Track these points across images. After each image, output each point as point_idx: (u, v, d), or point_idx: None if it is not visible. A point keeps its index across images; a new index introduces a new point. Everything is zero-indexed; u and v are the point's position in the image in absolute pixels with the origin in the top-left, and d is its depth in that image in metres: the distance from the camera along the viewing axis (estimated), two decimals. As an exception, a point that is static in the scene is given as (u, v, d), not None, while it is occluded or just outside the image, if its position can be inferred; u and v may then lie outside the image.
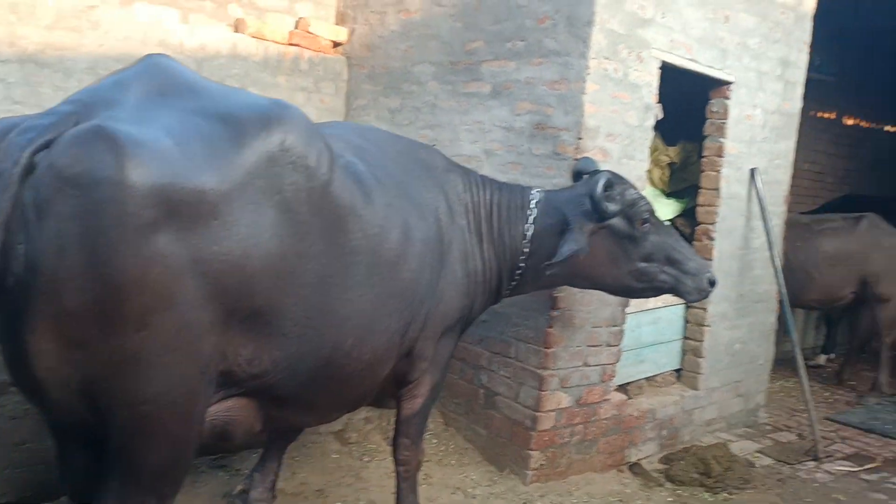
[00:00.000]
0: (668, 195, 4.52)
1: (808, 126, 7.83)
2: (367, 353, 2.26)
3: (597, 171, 3.01)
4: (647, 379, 4.26)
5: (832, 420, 4.94)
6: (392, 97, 4.34)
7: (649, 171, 4.53)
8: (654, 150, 4.54)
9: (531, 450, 3.48)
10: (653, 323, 4.19)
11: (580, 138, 3.35)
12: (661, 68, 3.65)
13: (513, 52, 3.62)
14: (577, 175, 3.04)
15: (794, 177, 7.82)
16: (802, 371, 4.32)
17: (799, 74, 4.57)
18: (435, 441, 3.82)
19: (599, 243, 2.79)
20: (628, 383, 4.13)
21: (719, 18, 3.88)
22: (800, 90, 4.60)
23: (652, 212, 2.90)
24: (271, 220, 1.86)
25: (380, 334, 2.30)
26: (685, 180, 4.53)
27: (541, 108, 3.50)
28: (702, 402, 4.32)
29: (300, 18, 4.50)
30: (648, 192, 4.36)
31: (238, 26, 4.26)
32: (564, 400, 3.58)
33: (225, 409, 2.01)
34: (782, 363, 6.20)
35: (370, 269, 2.21)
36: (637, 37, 3.48)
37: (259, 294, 1.86)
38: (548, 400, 3.50)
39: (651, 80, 3.60)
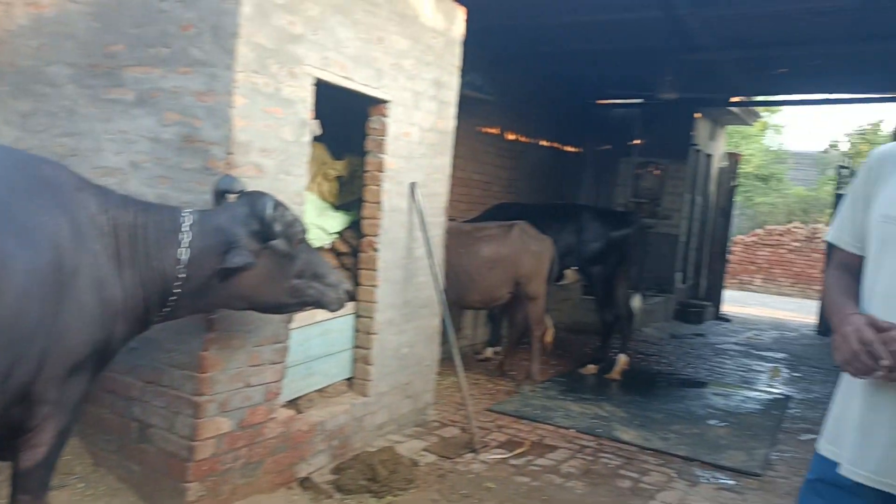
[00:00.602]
0: (338, 208, 4.60)
1: (476, 140, 8.62)
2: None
3: (248, 191, 2.97)
4: (319, 391, 4.29)
5: (492, 410, 5.43)
6: (22, 100, 3.82)
7: (319, 185, 4.59)
8: (322, 163, 4.61)
9: (188, 482, 3.28)
10: (322, 335, 4.23)
11: (231, 153, 3.24)
12: (316, 85, 3.69)
13: (158, 59, 3.39)
14: (221, 194, 2.94)
15: (466, 186, 8.61)
16: (460, 369, 4.68)
17: (451, 95, 4.94)
18: (82, 485, 3.43)
19: (263, 263, 2.83)
20: (299, 398, 4.12)
21: (372, 39, 4.03)
22: (453, 109, 4.97)
23: (305, 230, 3.04)
24: None
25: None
26: (353, 193, 4.64)
27: (189, 120, 3.32)
28: (372, 407, 4.47)
29: None
30: (318, 205, 4.42)
31: None
32: (225, 425, 3.44)
33: None
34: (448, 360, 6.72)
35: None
36: (288, 52, 3.47)
37: None
38: (206, 427, 3.33)
39: (305, 95, 3.61)
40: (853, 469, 1.72)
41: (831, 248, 1.97)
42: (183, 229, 2.73)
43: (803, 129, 45.98)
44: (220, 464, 3.43)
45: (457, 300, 5.93)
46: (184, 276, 2.72)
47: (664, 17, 6.41)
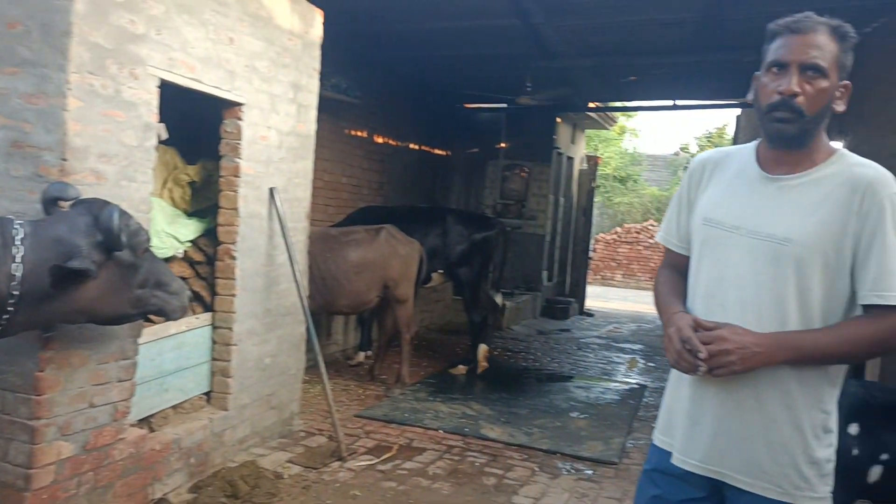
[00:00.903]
0: (191, 215, 4.41)
1: (345, 143, 8.56)
2: None
3: (87, 199, 2.80)
4: (175, 407, 4.09)
5: (360, 416, 5.39)
6: None
7: (170, 191, 4.39)
8: (174, 168, 4.41)
9: (25, 513, 3.04)
10: (176, 348, 4.04)
11: (65, 159, 3.02)
12: (162, 86, 3.52)
13: (-20, 58, 3.12)
14: (52, 202, 2.75)
15: (335, 190, 8.52)
16: (325, 376, 4.61)
17: (312, 98, 4.86)
18: None
19: (106, 275, 2.70)
20: (152, 415, 3.92)
21: (223, 40, 3.90)
22: (313, 113, 4.89)
23: (149, 239, 2.94)
24: None
25: None
26: (209, 199, 4.47)
27: (18, 124, 3.07)
28: (233, 421, 4.32)
29: None
30: (170, 213, 4.22)
31: None
32: (66, 449, 3.21)
33: None
34: (328, 366, 6.63)
35: None
36: (129, 52, 3.29)
37: None
38: (44, 453, 3.09)
39: (150, 98, 3.44)
40: (683, 458, 1.84)
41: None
42: (15, 242, 2.53)
43: (657, 133, 48.94)
44: (61, 491, 3.20)
45: (325, 306, 5.84)
46: (18, 293, 2.52)
47: (521, 25, 6.61)
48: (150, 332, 3.80)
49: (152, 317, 3.92)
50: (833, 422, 1.77)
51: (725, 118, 28.86)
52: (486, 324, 7.57)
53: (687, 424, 1.84)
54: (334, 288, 5.82)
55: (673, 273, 2.02)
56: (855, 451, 2.80)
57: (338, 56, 7.53)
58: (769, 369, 1.68)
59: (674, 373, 1.91)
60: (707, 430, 1.79)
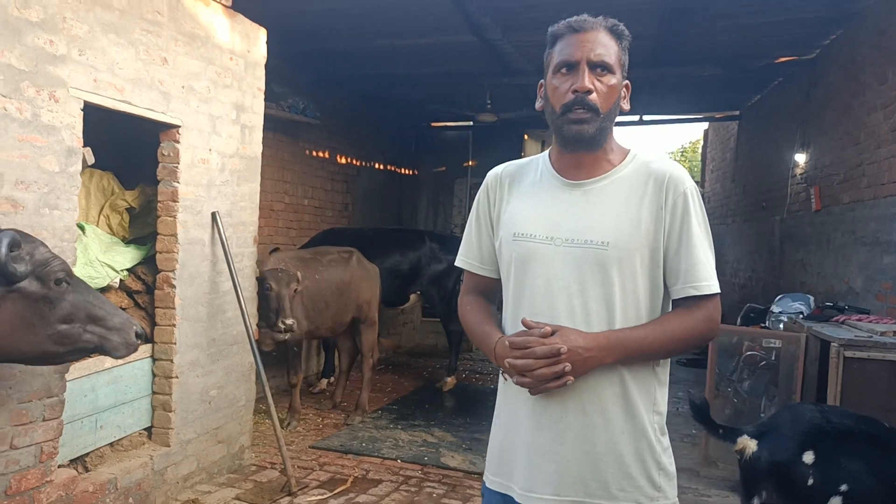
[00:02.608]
0: (130, 242, 4.23)
1: (305, 165, 8.41)
2: None
3: None
4: (111, 445, 3.89)
5: (316, 447, 5.19)
6: None
7: (107, 217, 4.21)
8: (110, 194, 4.24)
9: (-67, 569, 2.83)
10: (112, 383, 3.84)
11: (-25, 187, 2.86)
12: (90, 109, 3.36)
13: None
14: None
15: (296, 212, 8.35)
16: (272, 408, 4.42)
17: (256, 119, 4.71)
18: None
19: (9, 309, 2.49)
20: (86, 454, 3.72)
21: (155, 60, 3.75)
22: (258, 134, 4.74)
23: (68, 270, 2.67)
24: None
25: None
26: (149, 225, 4.29)
27: (-75, 151, 2.90)
28: (176, 457, 4.12)
29: None
30: (105, 240, 4.04)
31: None
32: (-17, 495, 3.01)
33: None
34: (283, 394, 6.43)
35: None
36: (48, 74, 3.12)
37: None
38: (-44, 502, 2.90)
39: (73, 121, 3.27)
40: (529, 494, 1.70)
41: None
42: None
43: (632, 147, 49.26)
44: (-23, 542, 2.99)
45: (312, 330, 5.77)
46: None
47: (479, 42, 6.52)
48: (81, 367, 3.61)
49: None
50: (665, 423, 1.75)
51: (698, 132, 29.10)
52: (456, 346, 7.58)
53: (530, 457, 1.71)
54: (321, 309, 5.78)
55: (479, 298, 1.92)
56: (810, 481, 2.67)
57: (294, 76, 7.42)
58: (610, 380, 1.65)
59: (504, 407, 1.81)
60: (557, 458, 1.67)
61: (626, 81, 1.75)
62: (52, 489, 3.33)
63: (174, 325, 4.07)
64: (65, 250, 3.29)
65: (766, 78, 8.34)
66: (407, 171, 11.08)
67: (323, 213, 8.88)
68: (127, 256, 4.06)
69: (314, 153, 8.37)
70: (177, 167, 4.02)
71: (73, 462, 3.66)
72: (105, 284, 3.90)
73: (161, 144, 4.03)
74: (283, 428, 5.45)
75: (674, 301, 1.72)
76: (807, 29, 6.31)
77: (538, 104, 1.81)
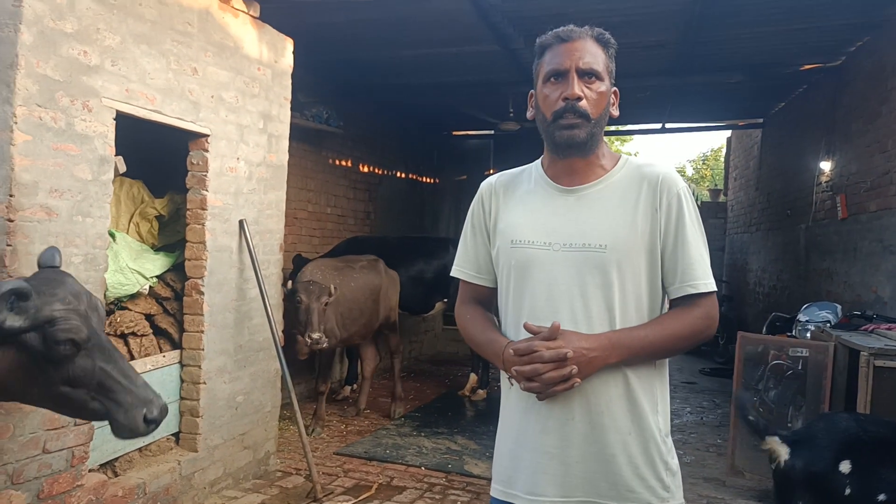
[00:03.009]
0: (159, 249, 4.29)
1: (328, 173, 8.47)
2: None
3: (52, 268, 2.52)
4: (140, 450, 3.94)
5: (340, 454, 5.21)
6: None
7: (136, 225, 4.27)
8: (140, 202, 4.30)
9: (-32, 570, 2.88)
10: (141, 388, 3.89)
11: (12, 195, 2.92)
12: (119, 118, 3.42)
13: (-75, 92, 3.02)
14: (41, 267, 2.57)
15: (319, 220, 8.42)
16: (298, 414, 4.44)
17: (283, 128, 4.76)
18: None
19: (10, 355, 2.30)
20: (115, 459, 3.77)
21: (186, 70, 3.81)
22: (285, 143, 4.79)
23: (79, 334, 2.32)
24: None
25: None
26: (178, 233, 4.36)
27: (-36, 160, 2.96)
28: (203, 463, 4.16)
29: None
30: (135, 248, 4.10)
31: None
32: (18, 499, 3.05)
33: None
34: (308, 400, 6.47)
35: None
36: (82, 84, 3.19)
37: None
38: (-9, 504, 2.94)
39: (105, 130, 3.33)
40: (534, 498, 1.71)
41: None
42: None
43: (653, 155, 49.05)
44: (11, 544, 3.03)
45: (348, 337, 5.86)
46: None
47: (501, 51, 6.54)
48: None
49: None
50: (669, 424, 1.77)
51: (720, 140, 28.92)
52: None
53: (536, 460, 1.72)
54: (356, 318, 5.87)
55: (478, 308, 1.93)
56: (848, 491, 2.64)
57: (319, 85, 7.49)
58: (615, 381, 1.67)
59: (509, 415, 1.81)
60: (565, 460, 1.69)
61: (615, 88, 1.80)
62: (82, 493, 3.38)
63: (202, 332, 4.11)
64: (96, 257, 3.36)
65: (791, 85, 8.28)
66: (429, 180, 11.12)
67: (345, 221, 8.93)
68: (156, 263, 4.12)
69: (337, 162, 8.43)
70: (205, 175, 4.08)
71: (103, 467, 3.71)
72: (135, 291, 3.96)
73: (190, 153, 4.09)
74: (307, 434, 5.50)
75: (671, 301, 1.74)
76: (832, 36, 6.26)
77: (529, 114, 1.84)
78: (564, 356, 1.59)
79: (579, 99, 1.69)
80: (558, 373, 1.59)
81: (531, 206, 1.80)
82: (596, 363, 1.62)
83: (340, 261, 6.22)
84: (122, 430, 2.41)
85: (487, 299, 1.92)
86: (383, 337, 6.68)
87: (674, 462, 1.74)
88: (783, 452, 2.84)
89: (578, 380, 1.61)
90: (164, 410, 2.43)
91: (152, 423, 2.41)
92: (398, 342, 6.70)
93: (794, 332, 5.87)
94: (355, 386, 7.12)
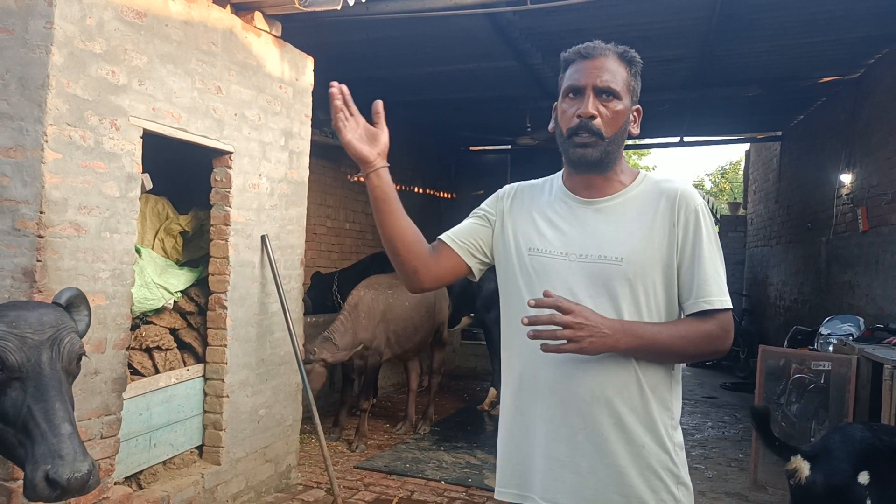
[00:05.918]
0: (183, 265, 4.36)
1: (349, 189, 8.57)
2: None
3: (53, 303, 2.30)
4: (164, 463, 3.99)
5: (360, 468, 5.22)
6: None
7: (161, 241, 4.34)
8: (165, 218, 4.38)
9: (-2, 580, 2.93)
10: (165, 402, 3.95)
11: (42, 212, 2.99)
12: (146, 136, 3.50)
13: (-40, 112, 3.11)
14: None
15: (338, 236, 8.50)
16: (319, 428, 4.47)
17: (304, 145, 4.83)
18: None
19: None
20: (140, 472, 3.82)
21: (210, 89, 3.89)
22: (305, 160, 4.86)
23: (8, 352, 2.02)
24: None
25: None
26: (201, 248, 4.42)
27: (-4, 178, 3.05)
28: (226, 476, 4.19)
29: None
30: (160, 263, 4.17)
31: None
32: (45, 510, 3.10)
33: None
34: (329, 414, 6.49)
35: None
36: (110, 103, 3.27)
37: None
38: (20, 515, 2.99)
39: (132, 148, 3.41)
40: (549, 501, 1.71)
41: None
42: None
43: (671, 169, 48.86)
44: (39, 556, 3.08)
45: (402, 353, 5.93)
46: None
47: (519, 66, 6.60)
48: (137, 386, 3.73)
49: (140, 369, 3.87)
50: (682, 437, 1.77)
51: (738, 153, 28.78)
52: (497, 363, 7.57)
53: (549, 466, 1.71)
54: (410, 335, 5.97)
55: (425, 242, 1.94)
56: (868, 502, 2.62)
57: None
58: (630, 393, 1.67)
59: (515, 414, 1.80)
60: (577, 469, 1.68)
61: (637, 106, 1.80)
62: (108, 505, 3.42)
63: (225, 345, 4.17)
64: (124, 273, 3.42)
65: (810, 98, 8.26)
66: (446, 195, 11.17)
67: (364, 236, 9.01)
68: (181, 278, 4.19)
69: (355, 178, 8.51)
70: (229, 192, 4.15)
71: (128, 479, 3.76)
72: (160, 306, 4.02)
73: (214, 170, 4.16)
74: (351, 450, 5.60)
75: (686, 316, 1.74)
76: (851, 48, 6.26)
77: (550, 126, 1.87)
78: (581, 314, 1.58)
79: (593, 117, 1.70)
80: (571, 331, 1.57)
81: (550, 216, 1.82)
82: (607, 341, 1.60)
83: (385, 278, 6.21)
84: (27, 489, 1.94)
85: (443, 258, 1.93)
86: (428, 353, 6.78)
87: (686, 476, 1.74)
88: (805, 469, 2.83)
89: (587, 344, 1.57)
90: (78, 474, 1.92)
91: (56, 488, 1.90)
92: (442, 361, 6.77)
93: (815, 345, 5.82)
94: (374, 400, 7.13)
